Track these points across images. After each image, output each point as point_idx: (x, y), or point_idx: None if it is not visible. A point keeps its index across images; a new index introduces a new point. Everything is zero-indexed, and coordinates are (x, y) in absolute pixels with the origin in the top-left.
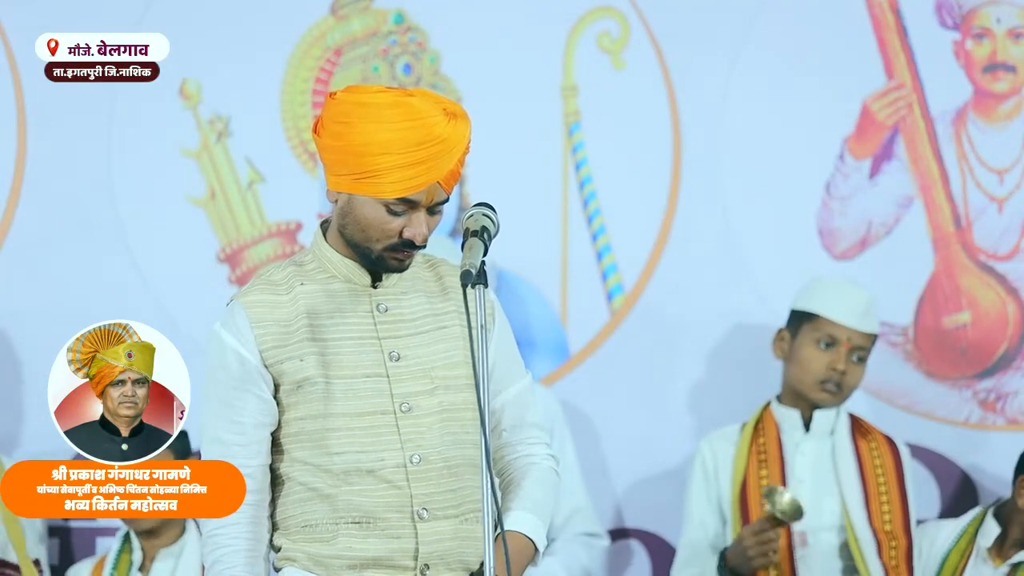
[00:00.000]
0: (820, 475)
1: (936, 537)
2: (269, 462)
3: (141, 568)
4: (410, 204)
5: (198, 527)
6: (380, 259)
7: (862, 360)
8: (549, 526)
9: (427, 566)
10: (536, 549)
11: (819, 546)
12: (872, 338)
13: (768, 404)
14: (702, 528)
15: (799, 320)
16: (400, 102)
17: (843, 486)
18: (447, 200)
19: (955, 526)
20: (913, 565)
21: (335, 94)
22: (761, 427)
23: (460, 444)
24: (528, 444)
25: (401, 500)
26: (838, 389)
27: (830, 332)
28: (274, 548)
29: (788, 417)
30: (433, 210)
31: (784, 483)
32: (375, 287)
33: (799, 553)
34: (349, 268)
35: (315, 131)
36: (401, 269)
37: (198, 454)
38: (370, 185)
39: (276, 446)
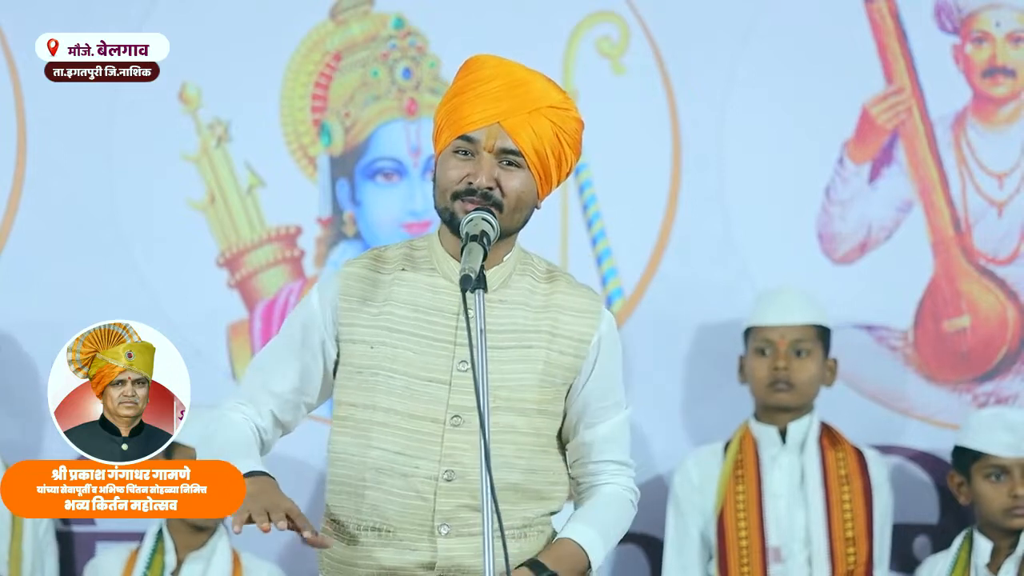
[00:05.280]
0: (793, 488)
1: (932, 572)
2: (289, 420)
3: (174, 573)
4: (470, 141)
5: (227, 528)
6: (454, 215)
7: (806, 353)
8: None
9: None
10: (589, 563)
11: (793, 560)
12: (810, 329)
13: (746, 422)
14: (679, 555)
15: (745, 340)
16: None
17: (808, 497)
18: (518, 154)
19: (948, 556)
20: (873, 570)
21: None
22: (741, 445)
23: (509, 467)
24: (609, 474)
25: (423, 513)
26: (789, 386)
27: (763, 336)
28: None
29: (765, 433)
30: (505, 162)
31: (760, 500)
32: (473, 291)
33: (774, 569)
34: (451, 267)
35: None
36: (474, 219)
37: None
38: (446, 130)
39: (333, 425)
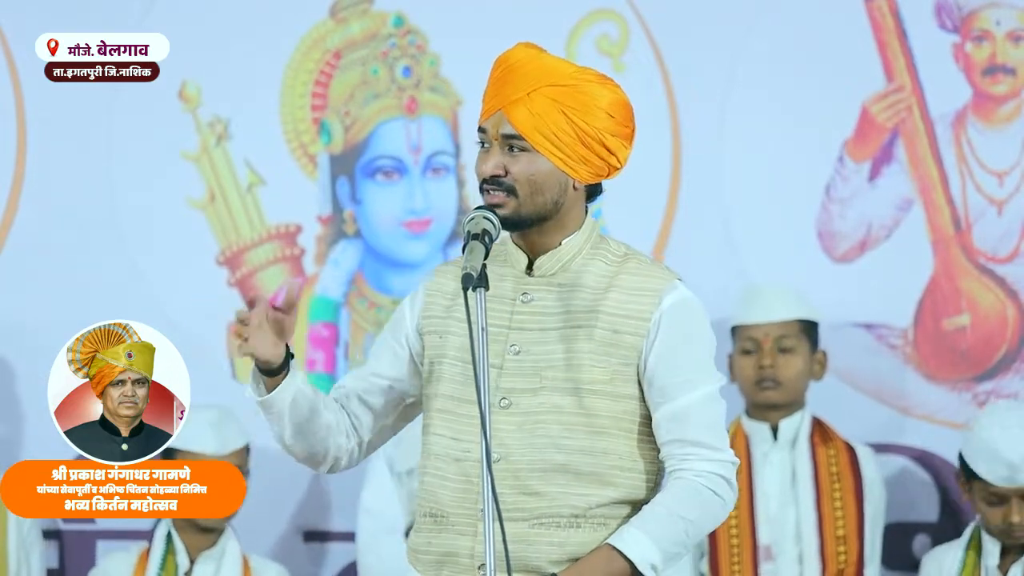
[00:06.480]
0: (785, 486)
1: (943, 562)
2: (377, 403)
3: (187, 574)
4: (484, 133)
5: (234, 529)
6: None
7: (790, 350)
8: None
9: (484, 565)
10: (633, 567)
11: (784, 558)
12: (793, 325)
13: (738, 419)
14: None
15: (733, 339)
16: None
17: (799, 494)
18: (519, 138)
19: (958, 550)
20: (864, 569)
21: None
22: (733, 442)
23: (557, 448)
24: (682, 459)
25: (472, 496)
26: (776, 384)
27: (748, 335)
28: None
29: (756, 429)
30: (511, 147)
31: (751, 497)
32: (530, 273)
33: (764, 568)
34: (510, 252)
35: None
36: (496, 208)
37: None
38: None
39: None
